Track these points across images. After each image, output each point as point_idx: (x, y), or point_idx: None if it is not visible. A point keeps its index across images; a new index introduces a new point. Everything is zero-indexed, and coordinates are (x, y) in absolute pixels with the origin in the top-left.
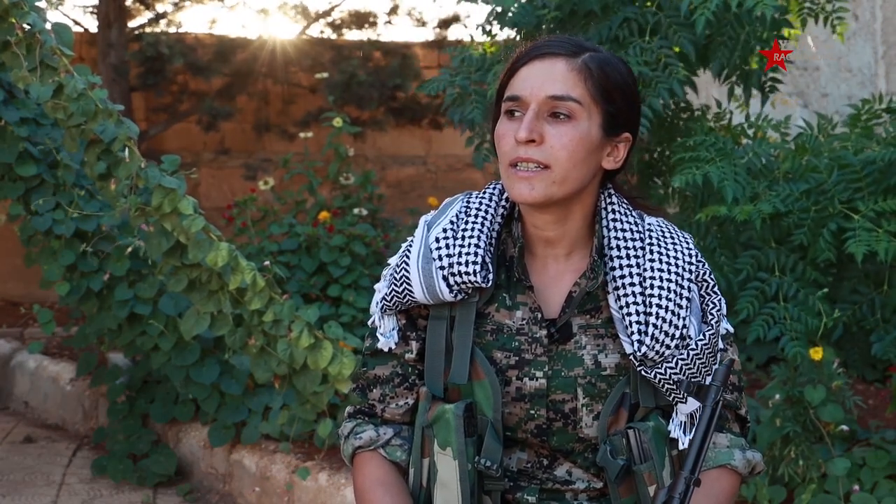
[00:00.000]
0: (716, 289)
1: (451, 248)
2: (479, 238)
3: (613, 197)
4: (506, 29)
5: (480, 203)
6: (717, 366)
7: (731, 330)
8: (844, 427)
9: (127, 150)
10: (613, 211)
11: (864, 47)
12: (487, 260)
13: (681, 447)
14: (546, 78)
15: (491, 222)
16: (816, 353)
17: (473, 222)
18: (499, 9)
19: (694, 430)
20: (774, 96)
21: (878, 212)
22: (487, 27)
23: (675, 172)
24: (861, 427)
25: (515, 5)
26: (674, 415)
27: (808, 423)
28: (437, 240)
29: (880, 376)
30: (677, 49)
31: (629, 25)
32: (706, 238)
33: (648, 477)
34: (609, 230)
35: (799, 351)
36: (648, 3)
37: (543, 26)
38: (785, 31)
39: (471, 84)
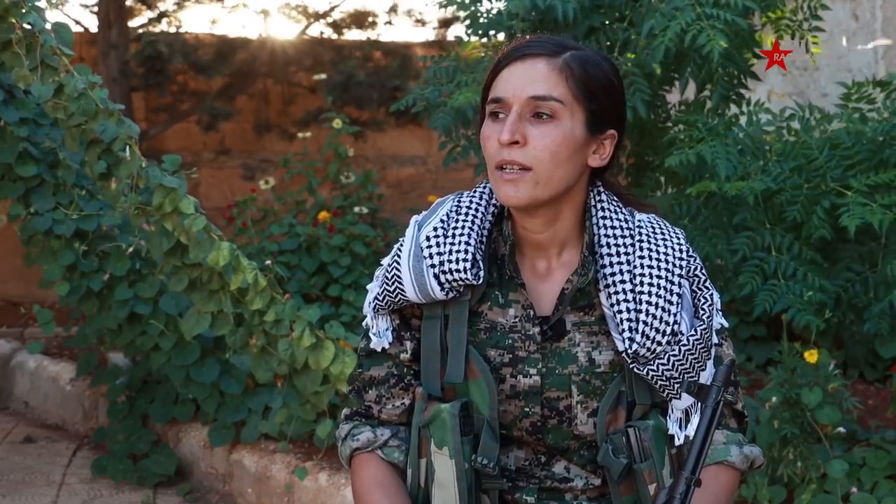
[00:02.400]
0: (708, 283)
1: (442, 246)
2: (469, 236)
3: (603, 195)
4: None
5: (471, 202)
6: (710, 360)
7: (726, 324)
8: (842, 429)
9: (128, 149)
10: (603, 209)
11: (864, 47)
12: (479, 258)
13: (677, 443)
14: (527, 78)
15: (482, 220)
16: (812, 356)
17: (464, 221)
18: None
19: (695, 429)
20: (771, 91)
21: (871, 186)
22: (467, 33)
23: (668, 153)
24: (861, 427)
25: (490, 11)
26: (669, 411)
27: (805, 424)
28: (428, 238)
29: (880, 376)
30: (643, 66)
31: (598, 38)
32: (698, 217)
33: (649, 476)
34: (599, 228)
35: (811, 319)
36: (619, 17)
37: (513, 33)
38: (751, 55)
39: (440, 95)
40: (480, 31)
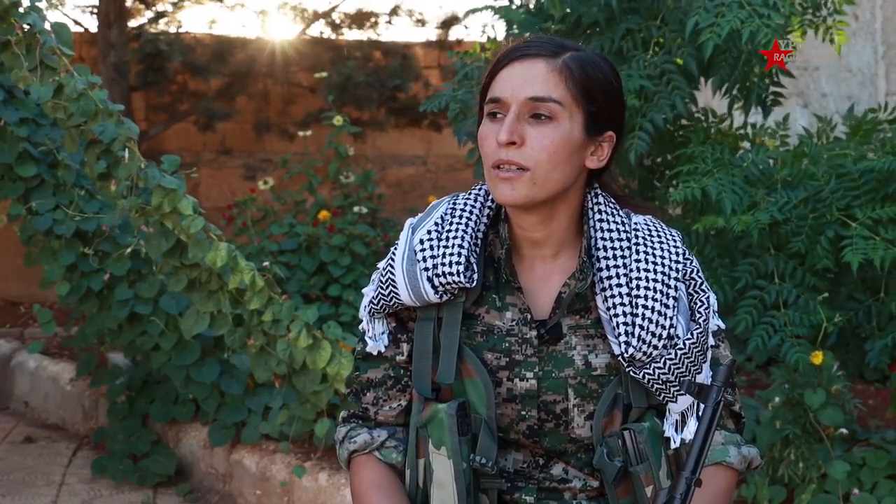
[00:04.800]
0: (704, 286)
1: (436, 249)
2: (463, 239)
3: (600, 197)
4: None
5: (465, 204)
6: (706, 363)
7: (723, 326)
8: (844, 430)
9: (127, 150)
10: (600, 211)
11: (864, 47)
12: (472, 260)
13: (673, 446)
14: (526, 79)
15: (476, 223)
16: (816, 358)
17: (458, 223)
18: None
19: (695, 429)
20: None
21: (875, 219)
22: (491, 32)
23: (675, 185)
24: (861, 427)
25: (521, 16)
26: (666, 414)
27: (807, 425)
28: (422, 241)
29: (880, 376)
30: (679, 61)
31: (633, 38)
32: (705, 248)
33: (645, 478)
34: (596, 230)
35: (801, 357)
36: (652, 18)
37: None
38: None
39: (474, 97)
40: (514, 32)
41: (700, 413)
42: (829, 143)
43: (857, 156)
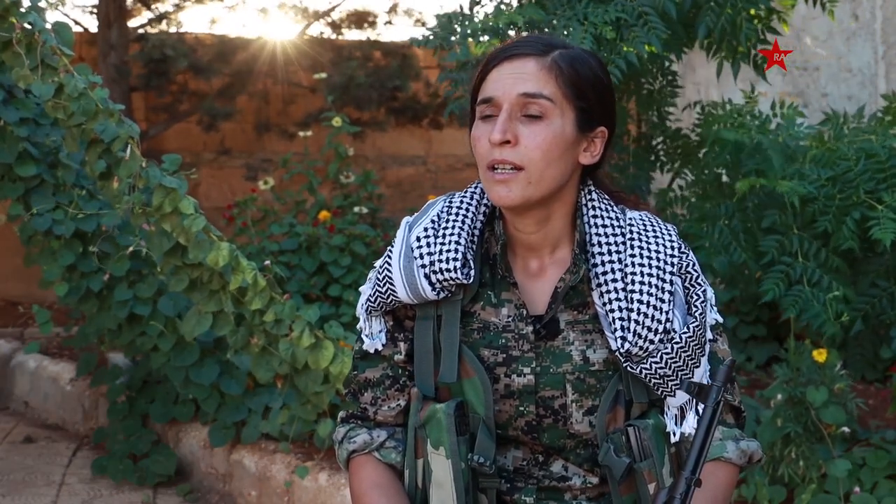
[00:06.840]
0: (700, 279)
1: (432, 246)
2: (459, 236)
3: (594, 193)
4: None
5: (462, 202)
6: (704, 356)
7: (720, 320)
8: (846, 429)
9: (128, 149)
10: (594, 207)
11: (864, 47)
12: (469, 257)
13: (673, 440)
14: (517, 78)
15: (472, 220)
16: (820, 356)
17: (454, 221)
18: None
19: (695, 428)
20: (782, 94)
21: None
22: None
23: (716, 134)
24: (861, 427)
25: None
26: (665, 409)
27: (809, 423)
28: (419, 239)
29: (880, 376)
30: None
31: None
32: (731, 221)
33: (648, 475)
34: (590, 226)
35: (836, 332)
36: None
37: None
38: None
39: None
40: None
41: (700, 412)
42: (853, 129)
43: (882, 141)
